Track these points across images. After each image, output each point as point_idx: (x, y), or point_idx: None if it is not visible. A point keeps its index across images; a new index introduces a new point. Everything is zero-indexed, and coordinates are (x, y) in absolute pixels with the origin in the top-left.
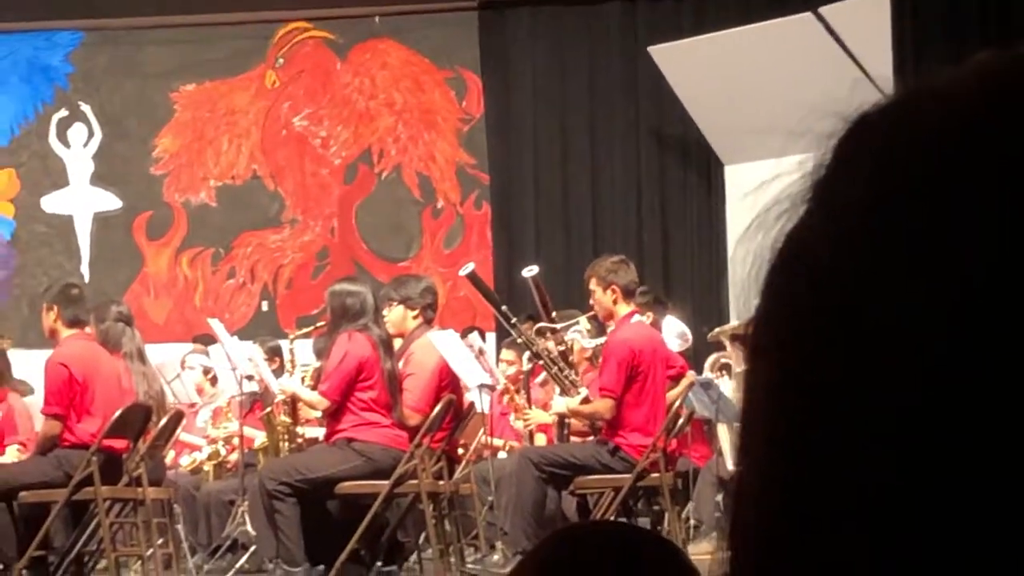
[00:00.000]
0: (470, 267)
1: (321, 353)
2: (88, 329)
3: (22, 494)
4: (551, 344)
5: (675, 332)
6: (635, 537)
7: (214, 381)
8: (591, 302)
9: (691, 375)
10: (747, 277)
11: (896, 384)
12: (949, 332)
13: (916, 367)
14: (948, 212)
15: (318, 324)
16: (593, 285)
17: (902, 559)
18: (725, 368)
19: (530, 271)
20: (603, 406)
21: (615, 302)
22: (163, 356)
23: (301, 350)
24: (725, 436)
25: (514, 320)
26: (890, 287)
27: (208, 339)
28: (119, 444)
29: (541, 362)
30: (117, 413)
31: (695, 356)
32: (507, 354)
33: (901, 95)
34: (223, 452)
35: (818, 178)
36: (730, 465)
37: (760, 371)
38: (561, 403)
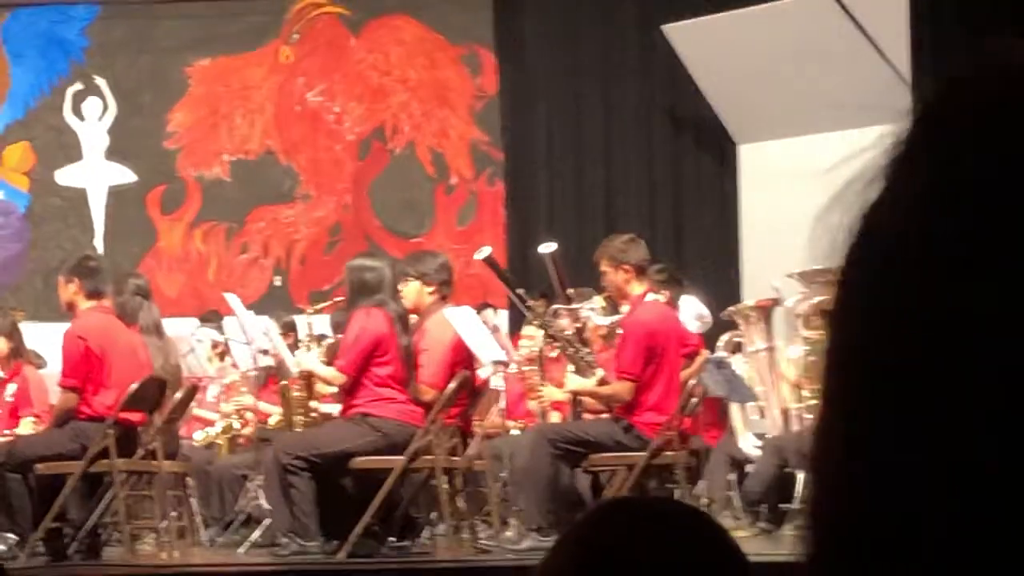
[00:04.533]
0: (487, 251)
1: (339, 328)
2: (106, 302)
3: (38, 466)
4: (565, 322)
5: (694, 314)
6: (681, 513)
7: (222, 356)
8: (603, 283)
9: (705, 353)
10: (826, 251)
11: (964, 364)
12: (998, 330)
13: (976, 358)
14: (1003, 211)
15: (335, 299)
16: (604, 265)
17: (981, 516)
18: (738, 347)
19: (547, 247)
20: (623, 388)
21: (627, 281)
22: (175, 330)
23: (319, 325)
24: (737, 415)
25: (529, 303)
26: (946, 280)
27: (216, 315)
28: (135, 417)
29: (559, 343)
30: (133, 386)
31: (708, 335)
32: (528, 330)
33: (970, 72)
34: (236, 426)
35: (892, 157)
36: (741, 444)
37: (839, 342)
38: (577, 383)
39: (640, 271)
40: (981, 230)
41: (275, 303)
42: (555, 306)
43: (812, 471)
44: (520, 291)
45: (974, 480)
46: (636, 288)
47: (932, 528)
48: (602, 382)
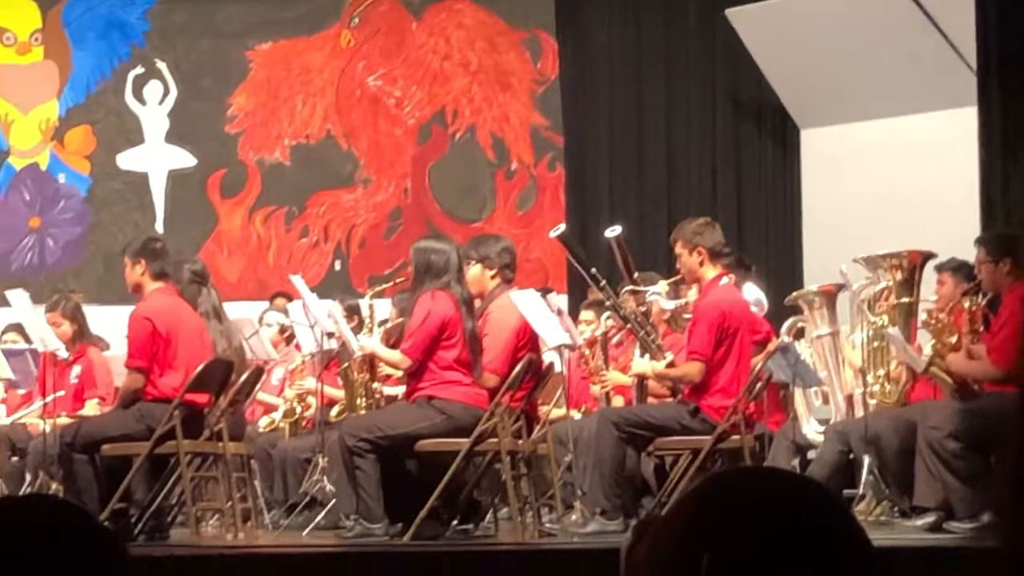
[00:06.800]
0: (561, 227)
1: (404, 311)
2: (171, 283)
3: (104, 447)
4: (634, 307)
5: (752, 299)
6: (799, 486)
7: (289, 340)
8: (677, 265)
9: (776, 340)
10: None
11: None
12: None
13: None
14: None
15: (396, 280)
16: (679, 248)
17: None
18: (801, 333)
19: (613, 231)
20: (693, 369)
21: (701, 264)
22: (236, 314)
23: (380, 308)
24: (801, 401)
25: (603, 282)
26: None
27: (285, 297)
28: (201, 398)
29: (629, 325)
30: (199, 368)
31: (770, 321)
32: (587, 315)
33: None
34: (298, 410)
35: None
36: (805, 429)
37: None
38: (645, 365)
39: (714, 255)
40: None
41: (335, 287)
42: (624, 289)
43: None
44: (593, 270)
45: None
46: (709, 272)
47: None
48: (671, 366)
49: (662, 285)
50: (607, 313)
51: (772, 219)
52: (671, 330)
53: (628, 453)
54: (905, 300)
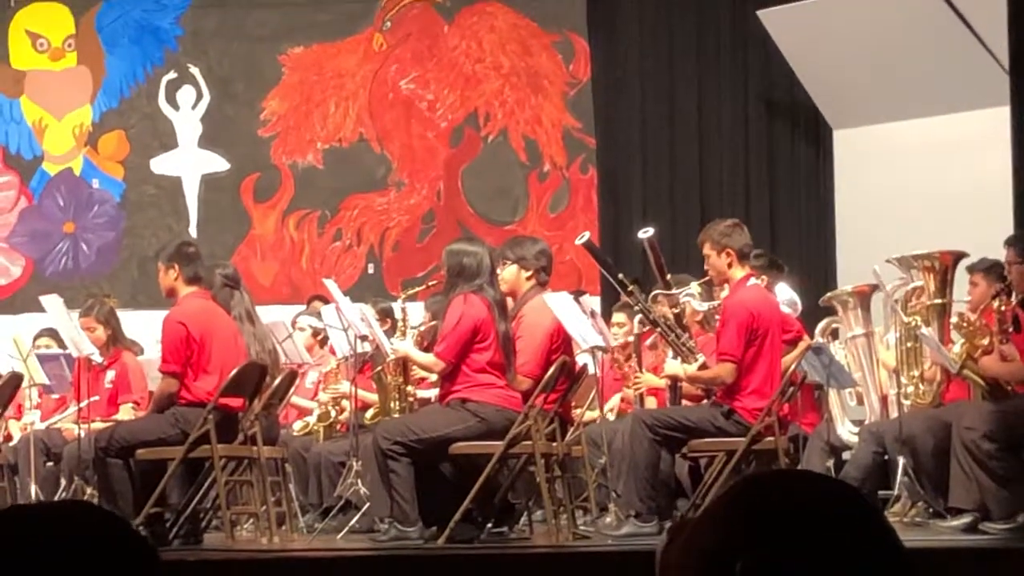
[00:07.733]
0: (585, 236)
1: (437, 314)
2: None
3: (139, 451)
4: (666, 310)
5: (785, 300)
6: (830, 489)
7: (322, 343)
8: (705, 267)
9: (808, 339)
10: None
11: None
12: None
13: None
14: None
15: (429, 283)
16: (707, 249)
17: None
18: (835, 333)
19: (645, 232)
20: (724, 371)
21: (730, 265)
22: (270, 317)
23: (412, 312)
24: (835, 402)
25: (631, 288)
26: None
27: (322, 301)
28: (235, 402)
29: (659, 330)
30: (233, 372)
31: (805, 321)
32: (619, 317)
33: None
34: (332, 414)
35: None
36: (840, 430)
37: None
38: (677, 367)
39: (742, 256)
40: None
41: (368, 290)
42: (655, 291)
43: None
44: (620, 276)
45: None
46: (738, 272)
47: None
48: (703, 368)
49: (694, 287)
50: (639, 316)
51: (805, 220)
52: (703, 331)
53: (663, 456)
54: (938, 301)
